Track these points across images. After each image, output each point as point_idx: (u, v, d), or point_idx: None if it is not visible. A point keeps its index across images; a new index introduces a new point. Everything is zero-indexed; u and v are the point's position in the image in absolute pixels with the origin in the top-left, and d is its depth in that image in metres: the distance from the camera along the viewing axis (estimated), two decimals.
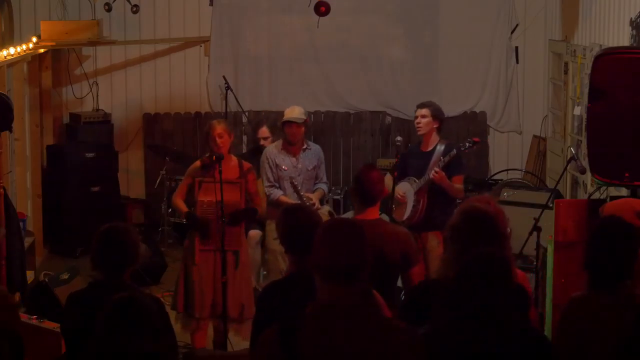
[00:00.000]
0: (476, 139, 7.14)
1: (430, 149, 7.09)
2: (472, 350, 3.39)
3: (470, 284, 3.46)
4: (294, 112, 7.50)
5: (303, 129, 7.50)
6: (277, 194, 7.35)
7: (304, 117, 7.53)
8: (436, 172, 6.83)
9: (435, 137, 7.12)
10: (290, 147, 7.49)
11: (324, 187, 7.70)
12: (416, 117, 7.14)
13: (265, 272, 8.05)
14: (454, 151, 6.93)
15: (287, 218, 4.27)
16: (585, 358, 3.80)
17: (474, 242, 3.89)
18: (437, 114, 7.13)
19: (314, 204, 7.32)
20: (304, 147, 7.53)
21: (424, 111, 7.10)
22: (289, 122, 7.45)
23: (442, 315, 3.60)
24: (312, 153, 7.58)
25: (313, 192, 7.53)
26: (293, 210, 4.39)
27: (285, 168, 7.42)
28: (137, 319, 3.59)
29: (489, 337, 3.39)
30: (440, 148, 7.06)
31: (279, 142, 7.59)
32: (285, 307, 3.98)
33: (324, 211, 7.61)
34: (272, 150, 7.56)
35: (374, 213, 5.08)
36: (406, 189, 6.99)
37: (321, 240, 3.25)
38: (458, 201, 7.19)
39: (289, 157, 7.45)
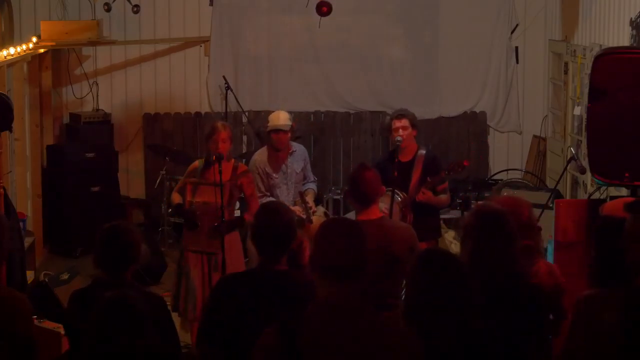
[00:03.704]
0: (466, 164, 6.99)
1: (410, 158, 6.94)
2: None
3: (416, 281, 3.50)
4: (280, 119, 7.39)
5: (289, 134, 7.42)
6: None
7: (290, 122, 7.44)
8: (424, 193, 6.72)
9: (413, 146, 6.97)
10: (277, 154, 7.40)
11: (313, 186, 7.65)
12: (396, 129, 6.93)
13: None
14: (441, 174, 6.78)
15: (259, 214, 4.26)
16: (597, 355, 3.80)
17: (485, 239, 3.93)
18: (414, 122, 6.95)
19: (311, 207, 7.30)
20: (291, 150, 7.47)
21: (405, 122, 6.91)
22: (276, 130, 7.38)
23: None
24: (298, 155, 7.53)
25: (305, 193, 7.49)
26: (267, 207, 4.39)
27: (276, 176, 7.38)
28: (127, 318, 3.60)
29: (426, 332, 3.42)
30: (421, 156, 6.92)
31: (263, 150, 7.49)
32: (238, 300, 4.00)
33: (320, 212, 7.57)
34: (260, 159, 7.46)
35: (375, 212, 5.08)
36: (386, 201, 6.70)
37: (319, 239, 3.26)
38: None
39: (277, 165, 7.40)
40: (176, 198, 6.79)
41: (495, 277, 3.89)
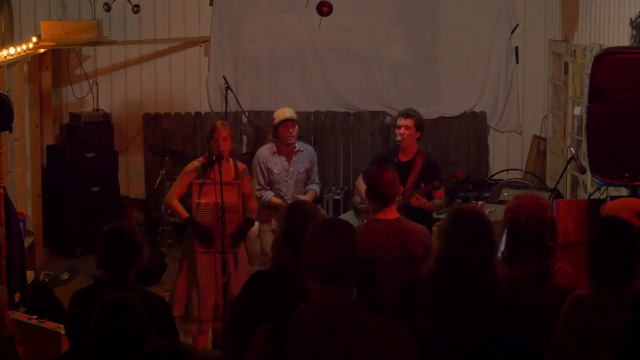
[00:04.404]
0: (460, 175, 7.01)
1: (409, 159, 6.96)
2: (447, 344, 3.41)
3: (442, 282, 3.50)
4: (286, 112, 7.42)
5: (297, 127, 7.46)
6: (268, 195, 7.33)
7: (295, 115, 7.51)
8: (417, 199, 6.73)
9: (414, 147, 6.99)
10: (286, 148, 7.41)
11: (316, 188, 7.65)
12: (399, 127, 6.94)
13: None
14: (435, 183, 6.80)
15: (289, 214, 4.31)
16: (587, 356, 3.81)
17: (456, 239, 3.94)
18: (420, 124, 6.96)
19: None
20: (296, 149, 7.48)
21: (409, 122, 6.91)
22: (286, 121, 7.37)
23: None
24: (305, 155, 7.53)
25: (305, 193, 7.50)
26: (297, 206, 4.42)
27: (277, 172, 7.38)
28: (127, 320, 3.60)
29: (451, 332, 3.42)
30: (420, 159, 6.94)
31: (272, 145, 7.50)
32: (269, 298, 4.05)
33: None
34: (265, 153, 7.47)
35: (393, 212, 5.11)
36: None
37: (309, 241, 3.25)
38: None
39: (280, 161, 7.40)
40: (180, 208, 6.73)
41: (459, 279, 3.86)
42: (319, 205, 8.10)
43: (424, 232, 5.18)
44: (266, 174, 7.38)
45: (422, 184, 6.74)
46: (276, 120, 7.40)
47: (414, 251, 4.97)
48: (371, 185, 5.14)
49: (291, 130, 7.35)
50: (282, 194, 7.36)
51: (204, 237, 6.54)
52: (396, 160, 6.81)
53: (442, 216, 8.75)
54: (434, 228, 7.93)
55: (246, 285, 4.35)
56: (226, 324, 4.28)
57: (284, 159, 7.41)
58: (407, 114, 6.98)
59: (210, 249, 6.54)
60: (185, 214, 6.68)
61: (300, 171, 7.47)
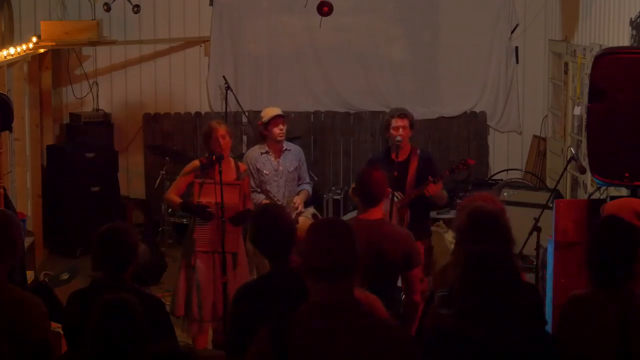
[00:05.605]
0: (471, 161, 7.06)
1: (405, 157, 6.99)
2: (477, 345, 3.40)
3: (473, 282, 3.47)
4: (275, 110, 7.46)
5: (286, 125, 7.49)
6: (259, 198, 7.31)
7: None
8: (428, 192, 6.75)
9: (408, 146, 7.04)
10: (275, 147, 7.41)
11: (308, 187, 7.65)
12: (397, 128, 7.01)
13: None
14: (445, 172, 6.85)
15: (255, 219, 4.27)
16: (585, 356, 3.81)
17: (479, 241, 3.92)
18: (413, 123, 7.07)
19: (297, 207, 7.30)
20: (284, 148, 7.49)
21: (406, 122, 6.97)
22: (277, 118, 7.37)
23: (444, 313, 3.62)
24: (292, 154, 7.53)
25: (297, 193, 7.51)
26: (262, 211, 4.38)
27: (267, 173, 7.38)
28: (125, 321, 3.60)
29: (492, 332, 3.41)
30: (415, 156, 6.99)
31: (261, 146, 7.48)
32: (258, 308, 3.98)
33: (308, 213, 7.54)
34: (253, 154, 7.47)
35: (377, 213, 5.09)
36: (385, 202, 6.62)
37: (309, 241, 3.24)
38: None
39: (269, 161, 7.39)
40: (175, 198, 6.77)
41: (495, 277, 3.88)
42: (312, 207, 8.07)
43: (405, 239, 5.10)
44: (256, 175, 7.38)
45: (430, 177, 6.76)
46: (265, 118, 7.40)
47: (388, 257, 4.92)
48: (359, 184, 5.13)
49: (282, 127, 7.37)
50: (273, 194, 7.35)
51: (202, 213, 6.55)
52: (395, 161, 6.83)
53: (443, 216, 8.83)
54: (433, 228, 7.97)
55: (234, 302, 4.28)
56: (226, 345, 4.21)
57: (272, 158, 7.41)
58: (403, 114, 7.05)
59: (210, 219, 6.52)
60: (179, 200, 6.71)
61: (290, 170, 7.47)
